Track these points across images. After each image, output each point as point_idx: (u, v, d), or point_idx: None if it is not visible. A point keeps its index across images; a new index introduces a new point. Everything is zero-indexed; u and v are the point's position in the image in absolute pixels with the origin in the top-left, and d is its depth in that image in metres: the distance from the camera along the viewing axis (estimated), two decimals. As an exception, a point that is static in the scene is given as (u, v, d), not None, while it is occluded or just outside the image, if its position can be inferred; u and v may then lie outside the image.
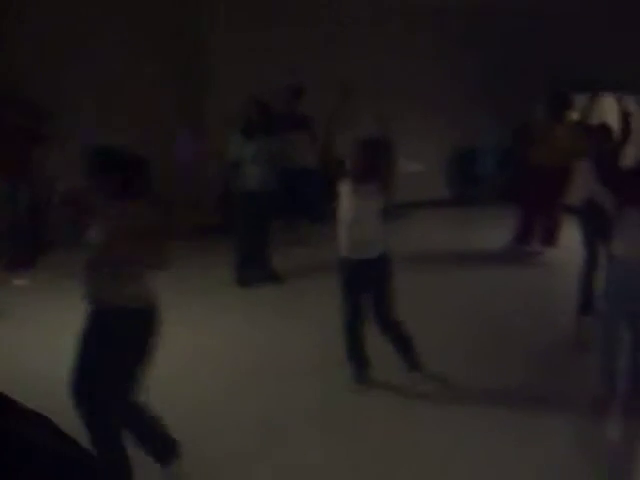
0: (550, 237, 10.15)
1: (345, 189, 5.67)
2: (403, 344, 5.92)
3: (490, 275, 9.29)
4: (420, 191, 12.87)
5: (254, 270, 8.81)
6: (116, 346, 4.17)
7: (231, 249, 8.67)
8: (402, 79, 12.35)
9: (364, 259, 5.65)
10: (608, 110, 12.11)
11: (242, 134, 8.47)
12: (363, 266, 5.66)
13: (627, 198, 5.46)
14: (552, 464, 4.76)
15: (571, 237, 9.02)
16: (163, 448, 4.44)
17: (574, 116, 9.69)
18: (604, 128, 7.29)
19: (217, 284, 8.60)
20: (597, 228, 7.11)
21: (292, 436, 5.12)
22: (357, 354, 5.88)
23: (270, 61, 11.00)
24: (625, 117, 7.23)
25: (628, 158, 7.35)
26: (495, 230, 11.27)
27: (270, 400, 5.69)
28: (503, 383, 6.04)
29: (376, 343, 5.93)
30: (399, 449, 4.97)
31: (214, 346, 6.78)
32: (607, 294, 5.74)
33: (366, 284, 5.74)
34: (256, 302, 8.23)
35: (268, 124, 8.59)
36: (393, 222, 11.52)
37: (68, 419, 2.67)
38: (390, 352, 5.93)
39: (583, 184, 7.47)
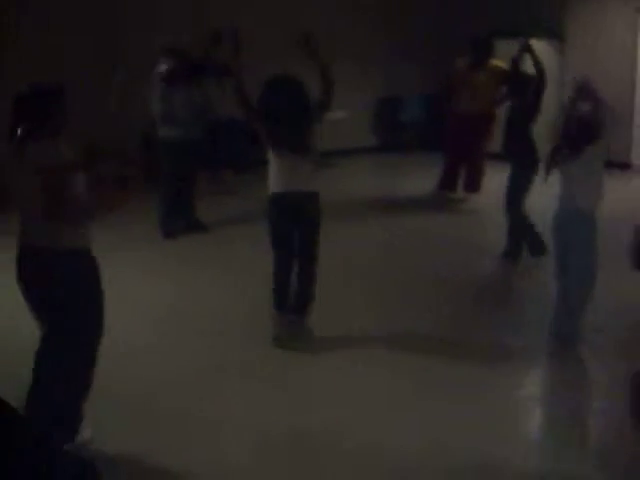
0: (473, 183, 10.27)
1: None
2: (305, 283, 5.80)
3: (415, 221, 9.37)
4: (346, 139, 12.88)
5: (179, 220, 8.72)
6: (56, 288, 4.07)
7: (154, 199, 8.56)
8: (328, 29, 12.23)
9: (294, 192, 5.57)
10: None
11: (164, 83, 8.31)
12: (293, 199, 5.59)
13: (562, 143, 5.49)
14: (461, 414, 4.77)
15: (493, 183, 9.16)
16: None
17: (497, 62, 9.75)
18: (524, 74, 7.36)
19: (141, 235, 8.48)
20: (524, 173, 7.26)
21: (216, 387, 5.10)
22: (282, 300, 5.82)
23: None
24: (538, 67, 7.35)
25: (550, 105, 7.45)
26: (420, 177, 11.37)
27: (194, 352, 5.66)
28: (424, 331, 6.08)
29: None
30: (317, 397, 5.01)
31: (138, 298, 6.70)
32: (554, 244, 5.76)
33: (295, 219, 5.67)
34: (181, 253, 8.16)
35: (190, 73, 8.43)
36: (320, 169, 11.64)
37: None
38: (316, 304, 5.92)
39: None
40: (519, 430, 4.67)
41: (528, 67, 7.67)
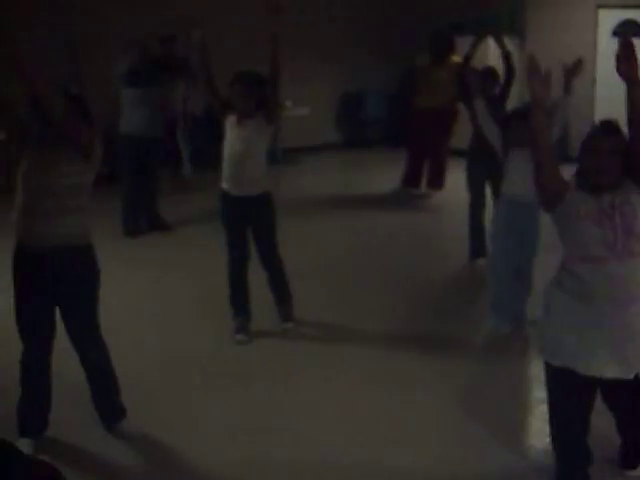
0: (437, 180, 10.29)
1: (230, 123, 5.56)
2: (279, 289, 5.95)
3: (379, 218, 9.37)
4: (310, 135, 12.87)
5: (141, 219, 8.64)
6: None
7: (116, 198, 8.47)
8: (290, 26, 12.18)
9: (245, 196, 5.59)
10: (488, 52, 12.30)
11: (125, 80, 8.22)
12: (245, 203, 5.60)
13: (513, 139, 5.57)
14: (430, 409, 4.83)
15: (458, 179, 9.17)
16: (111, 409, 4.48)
17: (457, 58, 9.76)
18: (489, 70, 7.34)
19: (102, 234, 8.36)
20: (482, 169, 7.22)
21: (177, 385, 5.07)
22: (240, 303, 5.84)
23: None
24: (507, 57, 7.29)
25: (511, 99, 7.44)
26: (384, 173, 11.37)
27: (155, 350, 5.62)
28: (388, 327, 6.08)
29: (260, 292, 5.94)
30: (279, 396, 4.99)
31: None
32: (495, 235, 5.88)
33: (248, 221, 5.69)
34: (142, 251, 8.08)
35: (151, 70, 8.36)
36: (283, 167, 11.65)
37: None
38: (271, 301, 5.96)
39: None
40: (495, 429, 4.68)
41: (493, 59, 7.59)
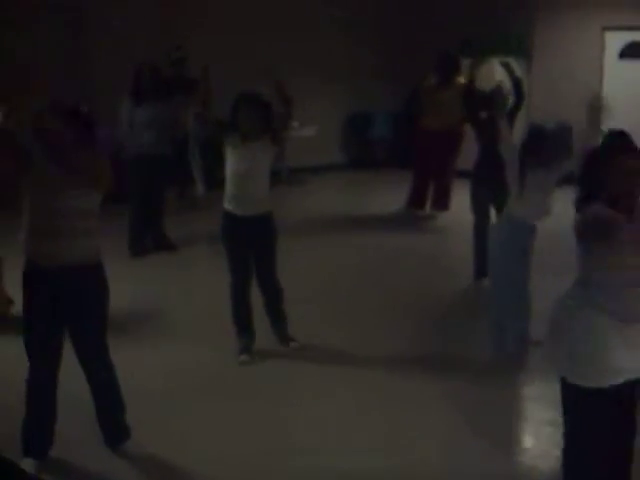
0: (442, 201, 10.29)
1: (233, 144, 5.58)
2: (275, 312, 5.97)
3: (383, 239, 9.36)
4: (315, 156, 12.89)
5: (148, 239, 8.65)
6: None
7: (122, 217, 8.47)
8: (296, 46, 12.30)
9: (248, 216, 5.61)
10: (490, 74, 12.34)
11: (132, 99, 8.27)
12: (248, 222, 5.62)
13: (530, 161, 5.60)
14: (433, 429, 4.83)
15: (463, 201, 9.17)
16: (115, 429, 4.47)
17: (463, 80, 9.79)
18: (499, 92, 7.35)
19: (108, 253, 8.37)
20: (487, 191, 7.24)
21: (183, 404, 5.06)
22: (243, 324, 5.84)
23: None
24: (517, 83, 7.27)
25: (518, 122, 7.43)
26: (389, 194, 11.38)
27: (159, 369, 5.61)
28: (392, 347, 6.08)
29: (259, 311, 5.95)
30: (282, 415, 4.99)
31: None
32: (499, 257, 5.86)
33: (250, 240, 5.71)
34: (149, 271, 8.09)
35: (159, 89, 8.40)
36: (288, 187, 11.66)
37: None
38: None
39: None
40: (484, 440, 4.66)
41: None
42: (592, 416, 3.43)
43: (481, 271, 7.40)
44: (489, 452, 4.52)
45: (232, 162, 5.61)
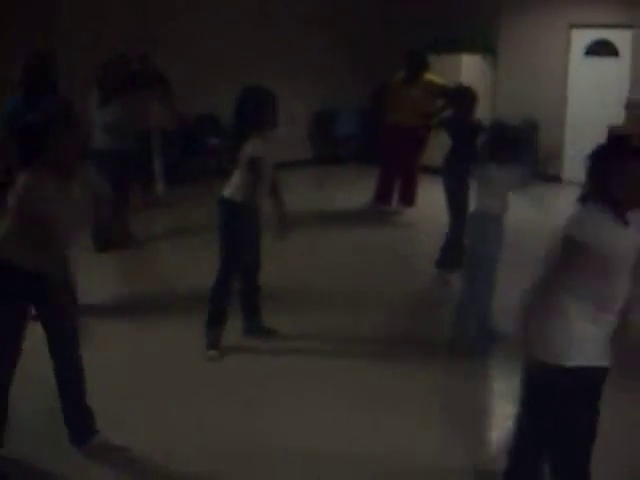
0: (408, 196, 10.33)
1: (259, 138, 5.67)
2: (254, 306, 6.04)
3: (350, 234, 9.38)
4: (282, 151, 12.82)
5: (112, 235, 8.57)
6: None
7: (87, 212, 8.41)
8: (262, 43, 12.29)
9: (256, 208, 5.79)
10: (465, 70, 12.43)
11: (98, 94, 8.19)
12: (256, 215, 5.78)
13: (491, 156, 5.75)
14: (397, 420, 4.86)
15: (429, 196, 9.22)
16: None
17: (431, 76, 9.84)
18: (466, 89, 7.41)
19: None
20: (460, 183, 7.32)
21: (153, 402, 5.03)
22: (219, 316, 5.78)
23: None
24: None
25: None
26: (355, 190, 11.39)
27: (124, 367, 5.58)
28: (363, 340, 6.13)
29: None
30: (258, 412, 4.97)
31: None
32: (488, 247, 5.90)
33: (256, 233, 5.85)
34: (113, 266, 8.04)
35: (125, 84, 8.34)
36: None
37: None
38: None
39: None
40: (453, 436, 4.69)
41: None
42: (554, 392, 3.48)
43: (445, 262, 7.49)
44: (456, 444, 4.54)
45: (261, 153, 5.69)
